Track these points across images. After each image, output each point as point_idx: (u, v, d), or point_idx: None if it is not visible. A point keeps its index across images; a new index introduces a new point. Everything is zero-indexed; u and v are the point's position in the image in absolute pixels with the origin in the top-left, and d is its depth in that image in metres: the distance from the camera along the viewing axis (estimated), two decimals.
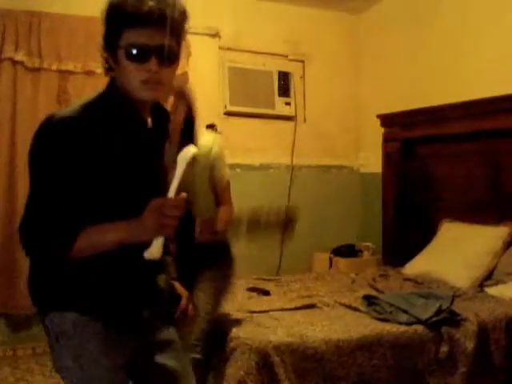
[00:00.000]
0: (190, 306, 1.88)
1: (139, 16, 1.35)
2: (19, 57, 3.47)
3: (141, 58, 1.37)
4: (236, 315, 2.62)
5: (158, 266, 1.57)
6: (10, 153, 3.49)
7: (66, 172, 1.36)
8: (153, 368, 1.61)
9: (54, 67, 3.56)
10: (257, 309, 2.74)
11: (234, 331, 2.38)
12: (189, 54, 3.94)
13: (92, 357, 1.45)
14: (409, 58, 4.13)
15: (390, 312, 2.63)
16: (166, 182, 1.44)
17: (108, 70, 1.48)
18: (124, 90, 1.43)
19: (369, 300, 2.84)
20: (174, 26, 1.38)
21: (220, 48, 4.17)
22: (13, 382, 3.21)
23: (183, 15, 1.45)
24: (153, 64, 1.38)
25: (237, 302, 2.91)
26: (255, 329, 2.39)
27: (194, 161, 1.41)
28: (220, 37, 4.16)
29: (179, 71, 3.22)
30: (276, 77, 4.31)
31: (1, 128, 3.48)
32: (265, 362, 2.23)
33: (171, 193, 1.35)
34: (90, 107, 1.42)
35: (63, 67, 3.59)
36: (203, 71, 4.08)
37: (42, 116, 3.76)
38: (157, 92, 1.44)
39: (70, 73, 3.61)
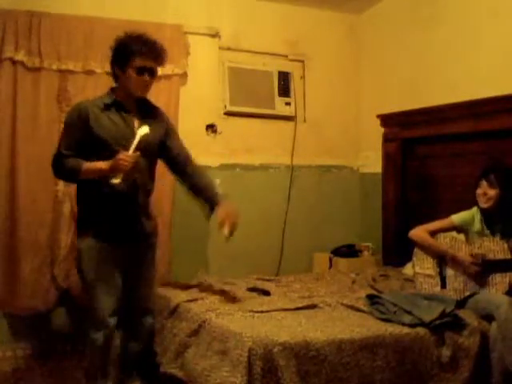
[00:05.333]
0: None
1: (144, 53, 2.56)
2: (19, 57, 3.45)
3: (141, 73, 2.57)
4: (237, 315, 2.62)
5: (145, 213, 2.71)
6: (11, 152, 3.47)
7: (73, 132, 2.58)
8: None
9: (54, 67, 3.55)
10: (258, 309, 2.73)
11: (236, 332, 2.37)
12: (187, 54, 3.94)
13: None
14: (409, 57, 4.13)
15: (394, 312, 2.62)
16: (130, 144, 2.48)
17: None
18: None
19: (372, 299, 2.83)
20: (158, 59, 2.60)
21: (220, 48, 4.16)
22: (13, 382, 3.20)
23: (163, 53, 2.63)
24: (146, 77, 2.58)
25: (237, 302, 2.91)
26: (257, 330, 2.38)
27: (145, 135, 2.50)
28: (220, 37, 4.14)
29: (179, 71, 3.88)
30: (276, 77, 4.30)
31: (1, 128, 3.47)
32: (268, 364, 2.22)
33: (130, 151, 2.44)
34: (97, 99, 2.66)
35: (63, 67, 3.57)
36: (203, 71, 4.08)
37: (42, 116, 3.80)
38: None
39: (70, 72, 3.60)
